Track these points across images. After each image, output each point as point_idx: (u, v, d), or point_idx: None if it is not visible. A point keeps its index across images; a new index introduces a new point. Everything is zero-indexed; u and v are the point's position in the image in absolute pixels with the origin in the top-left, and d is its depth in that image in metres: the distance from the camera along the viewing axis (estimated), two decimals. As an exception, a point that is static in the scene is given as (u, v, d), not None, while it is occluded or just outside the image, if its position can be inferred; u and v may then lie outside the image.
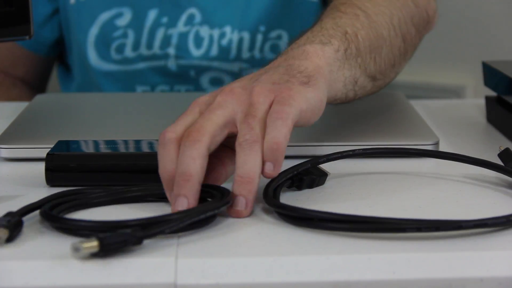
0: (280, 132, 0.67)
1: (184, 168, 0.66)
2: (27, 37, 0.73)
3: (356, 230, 0.64)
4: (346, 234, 0.64)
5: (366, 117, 0.90)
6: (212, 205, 0.65)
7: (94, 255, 0.59)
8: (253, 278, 0.60)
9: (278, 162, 0.67)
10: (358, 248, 0.62)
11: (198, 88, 1.19)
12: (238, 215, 0.67)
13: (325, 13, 0.87)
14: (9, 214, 0.64)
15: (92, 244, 0.59)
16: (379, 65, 0.85)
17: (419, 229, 0.63)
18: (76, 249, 0.59)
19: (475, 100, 1.09)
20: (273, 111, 0.68)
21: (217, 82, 1.19)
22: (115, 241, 0.59)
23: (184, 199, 0.66)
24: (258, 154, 0.67)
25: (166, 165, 0.68)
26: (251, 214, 0.67)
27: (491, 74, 0.98)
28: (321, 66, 0.75)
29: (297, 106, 0.69)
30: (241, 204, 0.67)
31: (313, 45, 0.77)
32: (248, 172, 0.66)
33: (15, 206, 0.69)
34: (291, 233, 0.65)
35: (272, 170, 0.67)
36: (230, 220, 0.67)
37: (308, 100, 0.70)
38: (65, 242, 0.62)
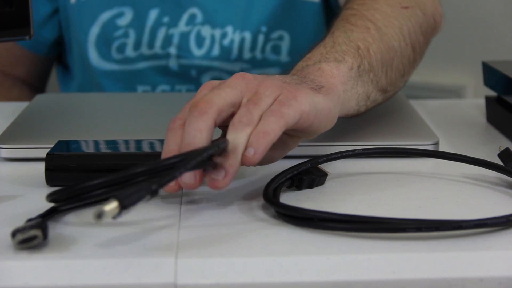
0: (269, 126, 0.67)
1: (190, 139, 0.66)
2: (27, 37, 0.73)
3: (356, 230, 0.64)
4: (346, 234, 0.64)
5: (366, 117, 0.89)
6: (210, 147, 0.65)
7: (117, 216, 0.58)
8: (253, 278, 0.60)
9: (260, 150, 0.66)
10: (358, 248, 0.62)
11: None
12: (214, 184, 0.65)
13: (335, 25, 0.86)
14: (30, 220, 0.64)
15: (112, 206, 0.58)
16: (390, 78, 0.85)
17: (419, 229, 0.63)
18: (99, 215, 0.58)
19: (475, 100, 1.09)
20: (270, 109, 0.68)
21: None
22: (133, 195, 0.58)
23: (191, 172, 0.66)
24: (248, 137, 0.66)
25: (170, 145, 0.67)
26: (226, 186, 0.66)
27: (491, 74, 0.98)
28: (335, 85, 0.75)
29: (297, 107, 0.69)
30: (220, 174, 0.65)
31: (328, 63, 0.77)
32: (235, 147, 0.66)
33: (15, 206, 0.70)
34: (291, 233, 0.65)
35: (251, 155, 0.66)
36: (230, 220, 0.67)
37: (313, 104, 0.70)
38: (65, 242, 0.62)
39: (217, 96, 0.68)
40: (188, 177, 0.66)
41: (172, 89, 1.20)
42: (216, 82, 0.71)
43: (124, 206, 0.58)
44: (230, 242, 0.63)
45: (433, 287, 0.61)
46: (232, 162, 0.65)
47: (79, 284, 0.59)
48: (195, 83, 1.19)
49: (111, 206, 0.58)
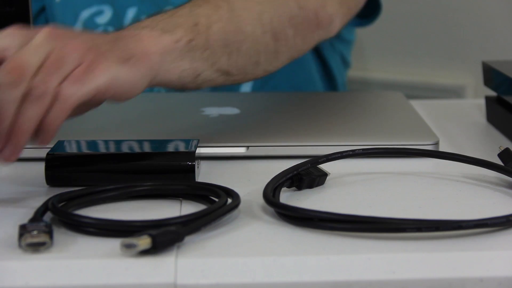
0: (56, 117, 0.67)
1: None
2: (27, 37, 0.73)
3: (356, 230, 0.64)
4: (346, 234, 0.64)
5: (366, 117, 0.90)
6: (232, 204, 0.67)
7: (144, 252, 0.60)
8: (253, 278, 0.60)
9: (45, 140, 0.68)
10: (358, 248, 0.62)
11: None
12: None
13: None
14: (33, 220, 0.64)
15: (146, 241, 0.60)
16: (235, 61, 0.82)
17: (419, 229, 0.63)
18: (129, 246, 0.59)
19: (475, 100, 1.09)
20: (61, 87, 0.68)
21: None
22: (166, 238, 0.61)
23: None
24: (41, 109, 0.67)
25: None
26: (12, 162, 0.68)
27: (491, 74, 0.98)
28: (151, 53, 0.74)
29: (90, 84, 0.68)
30: (7, 152, 0.67)
31: (152, 31, 0.76)
32: (24, 123, 0.67)
33: (15, 206, 0.70)
34: (291, 233, 0.65)
35: (37, 143, 0.68)
36: (230, 220, 0.67)
37: (114, 78, 0.70)
38: (65, 242, 0.62)
39: (28, 61, 0.67)
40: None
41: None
42: (23, 34, 0.69)
43: (155, 246, 0.60)
44: (230, 242, 0.63)
45: (433, 287, 0.61)
46: (17, 141, 0.67)
47: (79, 284, 0.59)
48: None
49: (144, 241, 0.60)
